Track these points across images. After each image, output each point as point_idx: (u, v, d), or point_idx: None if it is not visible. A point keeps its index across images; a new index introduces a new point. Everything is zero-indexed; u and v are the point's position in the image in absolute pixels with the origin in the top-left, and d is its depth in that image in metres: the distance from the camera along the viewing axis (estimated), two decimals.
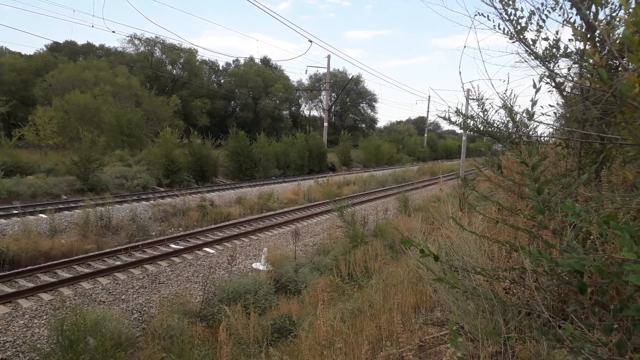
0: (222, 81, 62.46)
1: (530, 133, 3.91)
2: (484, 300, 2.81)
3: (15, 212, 13.86)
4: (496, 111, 4.81)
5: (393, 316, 3.78)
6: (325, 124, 41.88)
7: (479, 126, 4.83)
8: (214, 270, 10.22)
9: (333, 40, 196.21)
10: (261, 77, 58.41)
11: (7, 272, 9.49)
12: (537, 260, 2.18)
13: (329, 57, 40.51)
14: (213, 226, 14.88)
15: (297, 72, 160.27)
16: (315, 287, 7.32)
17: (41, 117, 27.58)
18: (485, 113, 4.75)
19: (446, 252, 3.47)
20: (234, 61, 63.85)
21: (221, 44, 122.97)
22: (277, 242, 13.29)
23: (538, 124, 3.43)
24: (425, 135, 70.41)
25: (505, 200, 4.58)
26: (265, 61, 65.70)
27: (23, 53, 49.36)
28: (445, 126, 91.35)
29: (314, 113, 73.86)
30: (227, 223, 15.47)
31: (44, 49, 50.38)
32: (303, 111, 73.38)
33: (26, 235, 11.36)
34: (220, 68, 62.44)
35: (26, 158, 21.87)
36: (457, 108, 4.88)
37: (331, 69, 43.78)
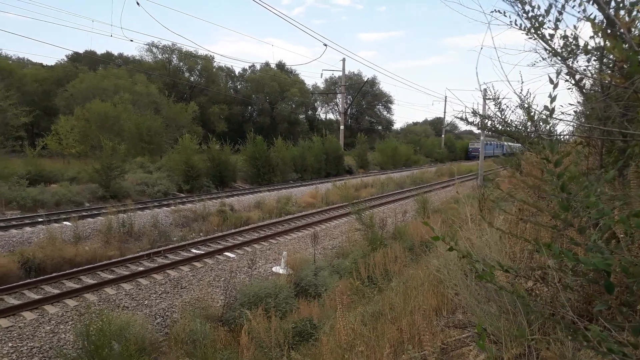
0: (238, 87, 62.96)
1: (550, 131, 3.86)
2: (507, 301, 2.79)
3: (40, 220, 14.17)
4: (513, 111, 4.77)
5: (414, 319, 3.77)
6: (342, 127, 41.86)
7: (497, 126, 4.80)
8: (235, 275, 10.29)
9: (347, 43, 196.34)
10: (277, 82, 58.72)
11: (34, 279, 9.70)
12: (559, 258, 2.16)
13: (343, 60, 40.55)
14: (233, 230, 14.99)
15: (313, 76, 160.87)
16: (335, 290, 7.33)
17: (63, 126, 28.18)
18: (503, 113, 4.72)
19: (467, 253, 3.45)
20: (250, 67, 64.34)
21: (237, 50, 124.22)
22: (296, 246, 13.32)
23: (557, 122, 3.38)
24: (443, 136, 69.89)
25: (526, 199, 4.53)
26: (281, 66, 66.04)
27: (45, 64, 50.52)
28: (463, 126, 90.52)
29: (330, 116, 74.00)
30: (246, 227, 15.57)
31: (65, 59, 51.48)
32: (319, 115, 73.58)
33: (51, 242, 11.59)
34: (237, 74, 62.99)
35: (50, 167, 22.34)
36: (473, 108, 4.85)
37: (346, 72, 43.79)
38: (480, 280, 2.40)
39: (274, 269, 11.08)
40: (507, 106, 4.57)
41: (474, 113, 4.84)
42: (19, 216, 15.24)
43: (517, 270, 2.35)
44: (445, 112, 68.90)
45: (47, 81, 44.15)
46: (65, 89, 39.80)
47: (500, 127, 4.66)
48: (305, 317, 6.74)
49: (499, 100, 4.59)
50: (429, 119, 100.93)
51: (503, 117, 4.59)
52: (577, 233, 2.20)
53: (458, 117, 4.80)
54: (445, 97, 65.27)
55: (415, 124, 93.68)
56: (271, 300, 7.85)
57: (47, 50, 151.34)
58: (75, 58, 50.06)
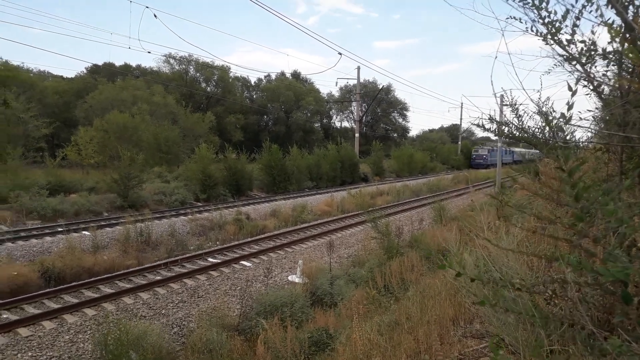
0: (254, 96, 63.48)
1: (568, 138, 3.80)
2: (525, 313, 2.74)
3: (60, 229, 14.40)
4: (530, 117, 4.71)
5: (431, 329, 3.73)
6: (357, 135, 41.84)
7: (514, 132, 4.74)
8: (251, 284, 10.30)
9: (362, 52, 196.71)
10: (292, 91, 59.05)
11: (53, 289, 9.84)
12: (577, 269, 2.11)
13: (358, 68, 40.63)
14: (249, 239, 15.04)
15: (327, 85, 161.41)
16: (351, 299, 7.29)
17: (83, 137, 28.69)
18: (520, 119, 4.66)
19: (484, 263, 3.40)
20: (265, 76, 64.87)
21: (253, 60, 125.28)
22: (312, 254, 13.30)
23: (576, 128, 3.33)
24: (459, 143, 69.34)
25: (543, 208, 4.46)
26: (296, 75, 66.45)
27: (65, 76, 51.62)
28: (480, 133, 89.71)
29: (345, 124, 74.06)
30: (262, 236, 15.61)
31: (84, 71, 52.51)
32: (334, 123, 73.69)
33: (70, 252, 11.75)
34: (253, 84, 63.55)
35: (69, 177, 22.72)
36: (490, 115, 4.80)
37: (361, 80, 43.86)
38: (482, 306, 2.36)
39: (289, 277, 11.07)
40: (525, 112, 4.52)
41: (491, 119, 4.80)
42: (39, 226, 15.51)
43: (531, 287, 2.31)
44: (461, 119, 68.57)
45: (67, 93, 45.08)
46: (85, 101, 40.58)
47: (517, 134, 4.61)
48: (321, 326, 6.72)
49: (516, 106, 4.55)
50: (445, 126, 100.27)
51: (520, 124, 4.54)
52: (593, 243, 2.16)
53: (475, 124, 4.77)
54: (462, 103, 64.78)
55: (431, 131, 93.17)
56: (287, 309, 7.84)
57: (67, 63, 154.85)
58: (94, 70, 51.04)
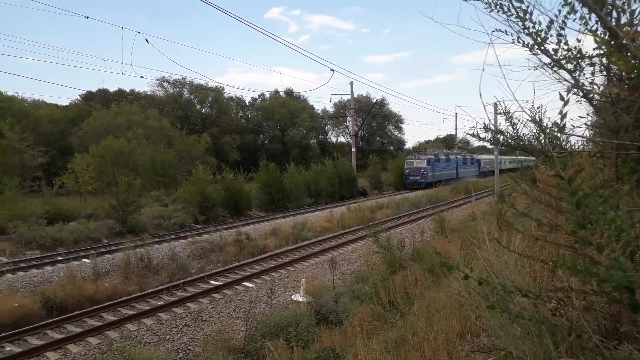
0: (249, 116, 63.79)
1: (563, 145, 3.83)
2: (531, 323, 2.73)
3: (60, 258, 14.34)
4: (524, 125, 4.75)
5: (438, 344, 3.70)
6: (353, 149, 42.00)
7: (509, 141, 4.77)
8: (255, 305, 10.23)
9: (354, 67, 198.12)
10: (287, 108, 59.41)
11: (55, 319, 9.76)
12: (578, 276, 2.11)
13: (351, 83, 40.95)
14: (250, 260, 14.97)
15: (322, 101, 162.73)
16: (357, 316, 7.23)
17: (79, 164, 28.73)
18: (515, 127, 4.69)
19: (486, 275, 3.40)
20: (259, 95, 65.30)
21: (246, 80, 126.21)
22: (315, 272, 13.24)
23: (569, 136, 3.35)
24: (455, 150, 69.56)
25: (543, 216, 4.47)
26: (290, 93, 66.86)
27: (59, 104, 51.85)
28: (476, 142, 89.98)
29: (341, 139, 74.31)
30: (264, 256, 15.54)
31: (79, 98, 52.85)
32: (330, 138, 73.97)
33: (71, 280, 11.68)
34: (247, 103, 63.98)
35: (67, 205, 22.69)
36: (485, 124, 4.83)
37: (355, 95, 44.13)
38: (493, 310, 2.35)
39: (293, 297, 11.00)
40: (519, 120, 4.55)
41: (486, 128, 4.82)
42: (38, 256, 15.43)
43: (537, 294, 2.30)
44: (456, 129, 68.94)
45: (62, 121, 45.24)
46: (80, 128, 40.73)
47: (513, 142, 4.63)
48: (327, 346, 6.65)
49: (510, 114, 4.58)
50: (440, 137, 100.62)
51: (515, 132, 4.57)
52: (596, 251, 2.16)
53: (469, 134, 4.78)
54: (456, 114, 65.30)
55: (427, 142, 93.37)
56: (292, 329, 7.77)
57: (61, 91, 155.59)
58: (88, 97, 51.32)
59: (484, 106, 3.49)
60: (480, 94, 3.40)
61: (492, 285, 2.55)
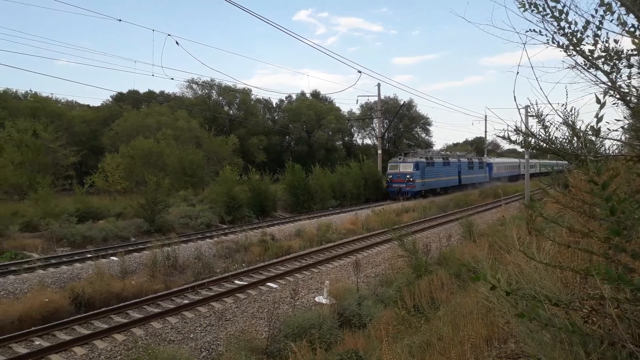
0: (276, 117, 64.16)
1: (598, 149, 3.70)
2: (561, 331, 2.63)
3: (89, 256, 14.66)
4: (557, 128, 4.61)
5: (464, 349, 3.62)
6: (379, 152, 41.76)
7: (541, 144, 4.63)
8: (278, 305, 10.24)
9: (382, 69, 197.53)
10: (313, 110, 59.51)
11: (84, 315, 9.97)
12: (612, 283, 2.02)
13: (379, 85, 40.73)
14: (275, 260, 15.03)
15: (348, 103, 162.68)
16: (381, 320, 7.16)
17: (109, 164, 29.40)
18: (547, 130, 4.56)
19: (516, 281, 3.30)
20: (286, 97, 65.59)
21: (273, 82, 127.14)
22: (338, 274, 13.19)
23: (604, 139, 3.23)
24: (485, 155, 68.45)
25: (575, 221, 4.32)
26: (316, 94, 67.00)
27: (91, 105, 53.23)
28: (506, 145, 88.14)
29: (367, 141, 74.00)
30: (288, 257, 15.58)
31: (110, 99, 54.08)
32: (356, 140, 73.74)
33: (99, 277, 11.91)
34: (274, 105, 64.34)
35: (97, 204, 23.22)
36: (516, 126, 4.71)
37: (382, 97, 43.90)
38: (522, 319, 2.27)
39: (316, 298, 10.98)
40: (551, 123, 4.42)
41: (517, 131, 4.70)
42: (69, 252, 15.82)
43: (568, 303, 2.21)
44: (485, 132, 67.57)
45: (93, 121, 46.42)
46: (111, 128, 41.70)
47: (544, 145, 4.51)
48: (350, 348, 6.60)
49: (542, 117, 4.46)
50: (469, 139, 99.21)
51: (547, 135, 4.44)
52: (631, 258, 2.07)
53: (500, 136, 4.67)
54: (485, 116, 63.98)
55: (455, 144, 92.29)
56: (315, 331, 7.74)
57: (94, 92, 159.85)
58: (119, 98, 52.46)
59: (519, 108, 3.40)
60: (515, 97, 3.31)
61: (520, 295, 2.48)
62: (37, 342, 8.61)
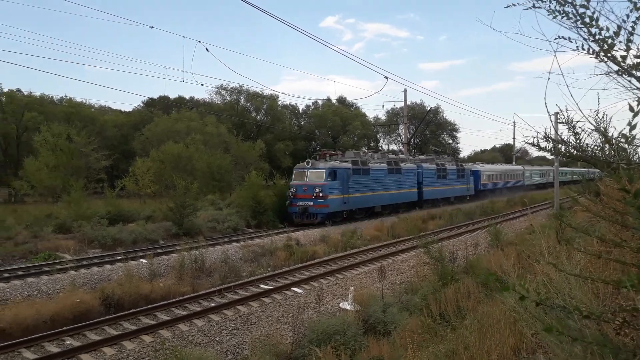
0: (302, 123, 64.54)
1: (631, 157, 3.61)
2: (593, 344, 2.58)
3: (119, 258, 15.01)
4: (589, 135, 4.51)
5: (491, 359, 3.57)
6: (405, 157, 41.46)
7: (572, 151, 4.55)
8: (303, 311, 10.27)
9: (408, 74, 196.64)
10: (339, 116, 59.71)
11: (113, 316, 10.20)
12: None
13: (405, 90, 40.46)
14: (300, 265, 15.08)
15: (374, 109, 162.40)
16: (406, 328, 7.11)
17: (140, 168, 30.11)
18: (577, 137, 4.48)
19: (545, 291, 3.25)
20: (312, 103, 65.94)
21: (300, 88, 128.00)
22: (363, 281, 13.14)
23: (638, 146, 3.16)
24: (513, 163, 67.25)
25: (607, 231, 4.23)
26: (342, 100, 67.15)
27: (123, 110, 54.58)
28: (535, 152, 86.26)
29: (393, 147, 73.77)
30: (312, 262, 15.61)
31: (141, 105, 55.39)
32: (382, 146, 73.54)
33: (128, 279, 12.16)
34: (300, 111, 64.76)
35: (127, 207, 23.75)
36: (545, 133, 4.64)
37: (408, 102, 43.65)
38: (550, 333, 2.24)
39: (341, 304, 10.96)
40: (582, 129, 4.34)
41: (546, 138, 4.63)
42: (100, 254, 16.22)
43: (599, 315, 2.17)
44: (514, 138, 66.31)
45: (125, 126, 47.63)
46: (142, 133, 42.70)
47: (575, 152, 4.42)
48: (375, 355, 6.58)
49: (573, 124, 4.38)
50: (497, 146, 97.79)
51: (578, 142, 4.36)
52: None
53: (529, 143, 4.61)
54: (514, 122, 62.80)
55: (483, 151, 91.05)
56: (339, 337, 7.73)
57: (125, 97, 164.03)
58: (150, 103, 53.68)
59: (549, 115, 3.35)
60: (546, 104, 3.26)
61: (550, 306, 2.44)
62: (68, 342, 8.83)
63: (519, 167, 58.18)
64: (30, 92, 46.88)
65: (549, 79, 3.14)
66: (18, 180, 31.63)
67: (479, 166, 45.73)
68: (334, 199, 23.84)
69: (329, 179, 23.65)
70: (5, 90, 44.30)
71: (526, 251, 7.15)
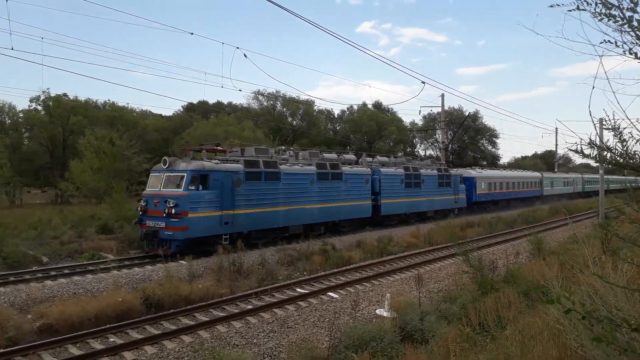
0: (337, 128, 64.66)
1: None
2: None
3: (159, 258, 15.39)
4: (637, 142, 4.37)
5: None
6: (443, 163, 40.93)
7: (618, 158, 4.41)
8: (339, 316, 10.29)
9: (446, 79, 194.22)
10: (375, 121, 59.55)
11: (154, 315, 10.49)
12: None
13: (442, 95, 39.98)
14: (335, 270, 15.11)
15: (411, 114, 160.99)
16: (444, 336, 7.03)
17: None
18: (624, 144, 4.34)
19: (590, 302, 3.18)
20: (348, 108, 65.98)
21: (336, 93, 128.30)
22: (400, 288, 13.04)
23: None
24: (555, 170, 65.29)
25: None
26: (378, 105, 66.91)
27: (163, 114, 56.10)
28: (578, 159, 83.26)
29: (430, 152, 72.84)
30: (348, 267, 15.61)
31: (181, 109, 56.80)
32: (418, 151, 72.79)
33: (169, 280, 12.46)
34: (335, 116, 64.90)
35: None
36: (590, 139, 4.52)
37: (446, 107, 43.09)
38: (599, 344, 2.20)
39: (377, 311, 10.92)
40: (631, 136, 4.20)
41: (591, 144, 4.50)
42: (141, 255, 16.68)
43: None
44: (556, 145, 64.32)
45: (165, 130, 48.95)
46: (181, 137, 43.75)
47: (621, 160, 4.30)
48: None
49: (620, 131, 4.26)
50: (538, 153, 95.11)
51: (625, 149, 4.23)
52: None
53: (572, 150, 4.50)
54: (556, 129, 60.82)
55: (524, 158, 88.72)
56: (376, 344, 7.71)
57: (166, 102, 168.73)
58: (189, 108, 54.99)
59: (594, 122, 3.29)
60: (590, 111, 3.21)
61: (598, 318, 2.40)
62: (111, 339, 9.15)
63: (536, 174, 50.34)
64: (76, 96, 48.82)
65: (593, 87, 3.08)
66: (64, 182, 33.00)
67: (474, 172, 37.88)
68: (201, 217, 16.33)
69: (191, 187, 16.25)
70: (52, 95, 46.29)
71: (570, 261, 6.96)
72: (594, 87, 3.13)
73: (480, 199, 36.25)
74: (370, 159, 28.42)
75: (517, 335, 4.73)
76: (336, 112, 65.83)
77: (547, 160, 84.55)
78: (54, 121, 44.79)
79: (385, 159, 29.76)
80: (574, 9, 2.84)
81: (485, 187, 37.28)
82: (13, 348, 8.32)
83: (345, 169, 23.64)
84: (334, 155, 24.76)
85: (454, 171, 34.07)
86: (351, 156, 26.70)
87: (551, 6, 2.95)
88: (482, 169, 42.23)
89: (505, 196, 40.74)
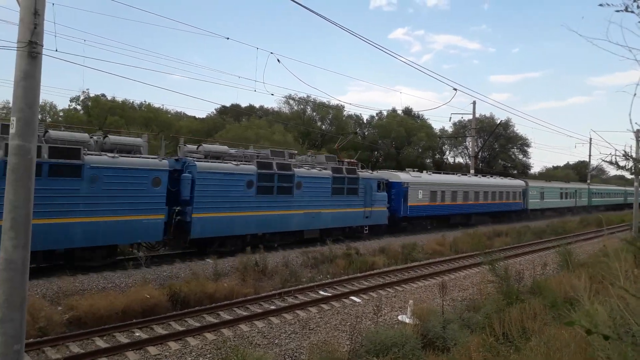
0: (366, 133, 64.46)
1: None
2: None
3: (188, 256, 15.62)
4: None
5: None
6: (472, 171, 40.37)
7: None
8: (360, 320, 10.24)
9: (478, 86, 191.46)
10: (404, 127, 59.08)
11: (179, 312, 10.68)
12: None
13: (474, 103, 39.50)
14: (359, 274, 15.09)
15: (441, 120, 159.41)
16: (466, 345, 6.93)
17: None
18: None
19: (620, 315, 3.10)
20: (377, 113, 65.69)
21: (366, 98, 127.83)
22: (423, 295, 12.93)
23: None
24: (588, 181, 63.52)
25: None
26: (408, 111, 66.39)
27: (197, 116, 56.96)
28: (612, 171, 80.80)
29: (459, 160, 71.83)
30: (371, 272, 15.56)
31: (214, 112, 57.55)
32: (447, 158, 71.86)
33: (195, 278, 12.67)
34: (365, 121, 64.73)
35: None
36: (624, 151, 4.40)
37: (477, 115, 42.54)
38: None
39: (399, 317, 10.84)
40: None
41: (626, 156, 4.39)
42: (169, 253, 16.97)
43: None
44: (590, 156, 62.63)
45: (198, 132, 49.62)
46: (214, 139, 44.37)
47: None
48: None
49: None
50: (571, 163, 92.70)
51: None
52: None
53: (606, 161, 4.39)
54: (590, 139, 59.27)
55: (555, 168, 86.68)
56: (397, 350, 7.66)
57: (200, 104, 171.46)
58: (223, 111, 55.70)
59: (634, 130, 3.21)
60: (630, 119, 3.13)
61: (623, 336, 2.35)
62: (137, 334, 9.36)
63: (517, 182, 39.79)
64: (114, 97, 50.03)
65: (635, 94, 3.00)
66: None
67: (406, 176, 27.58)
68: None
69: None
70: (91, 95, 47.57)
71: (600, 273, 6.78)
72: (635, 94, 3.05)
73: (414, 213, 26.83)
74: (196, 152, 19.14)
75: (542, 347, 4.64)
76: (365, 117, 65.72)
77: (579, 171, 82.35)
78: (92, 120, 45.94)
79: (223, 147, 20.06)
80: (621, 10, 2.79)
81: (424, 196, 27.62)
82: (43, 338, 8.59)
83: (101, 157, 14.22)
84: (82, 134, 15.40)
85: (368, 173, 24.52)
86: (141, 140, 18.03)
87: (601, 5, 2.91)
88: (423, 172, 31.96)
89: (460, 210, 31.26)
